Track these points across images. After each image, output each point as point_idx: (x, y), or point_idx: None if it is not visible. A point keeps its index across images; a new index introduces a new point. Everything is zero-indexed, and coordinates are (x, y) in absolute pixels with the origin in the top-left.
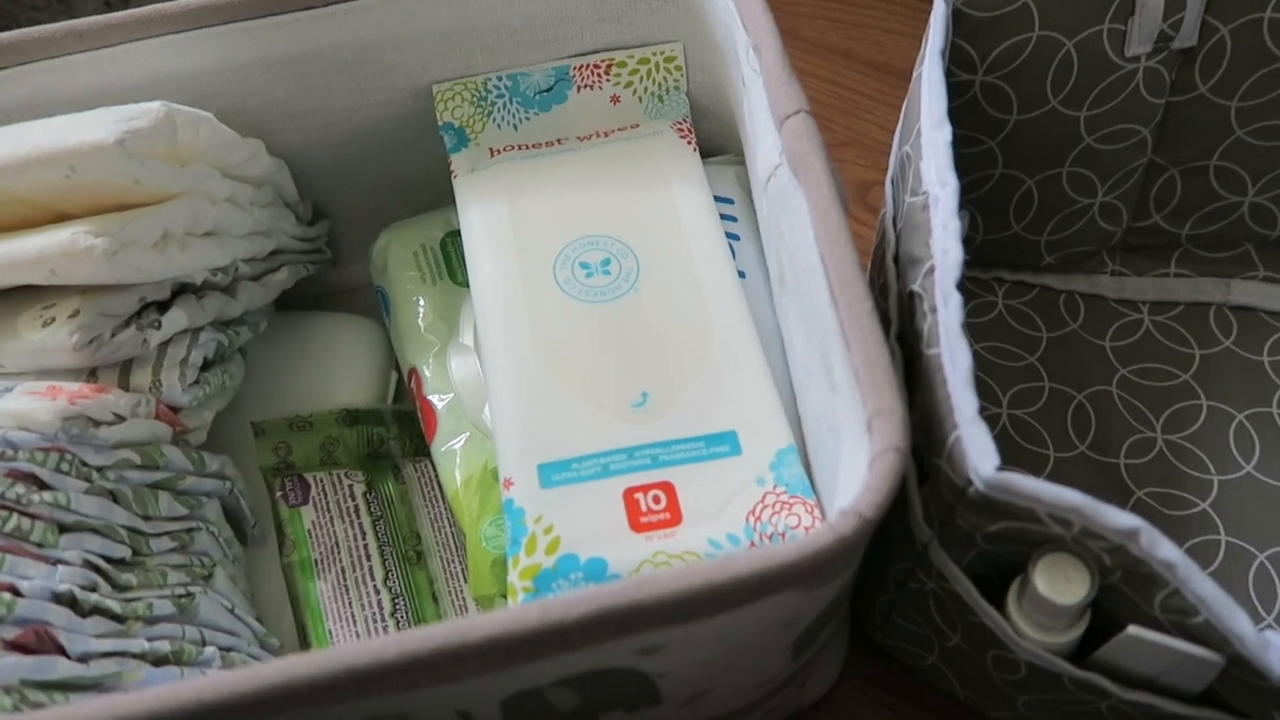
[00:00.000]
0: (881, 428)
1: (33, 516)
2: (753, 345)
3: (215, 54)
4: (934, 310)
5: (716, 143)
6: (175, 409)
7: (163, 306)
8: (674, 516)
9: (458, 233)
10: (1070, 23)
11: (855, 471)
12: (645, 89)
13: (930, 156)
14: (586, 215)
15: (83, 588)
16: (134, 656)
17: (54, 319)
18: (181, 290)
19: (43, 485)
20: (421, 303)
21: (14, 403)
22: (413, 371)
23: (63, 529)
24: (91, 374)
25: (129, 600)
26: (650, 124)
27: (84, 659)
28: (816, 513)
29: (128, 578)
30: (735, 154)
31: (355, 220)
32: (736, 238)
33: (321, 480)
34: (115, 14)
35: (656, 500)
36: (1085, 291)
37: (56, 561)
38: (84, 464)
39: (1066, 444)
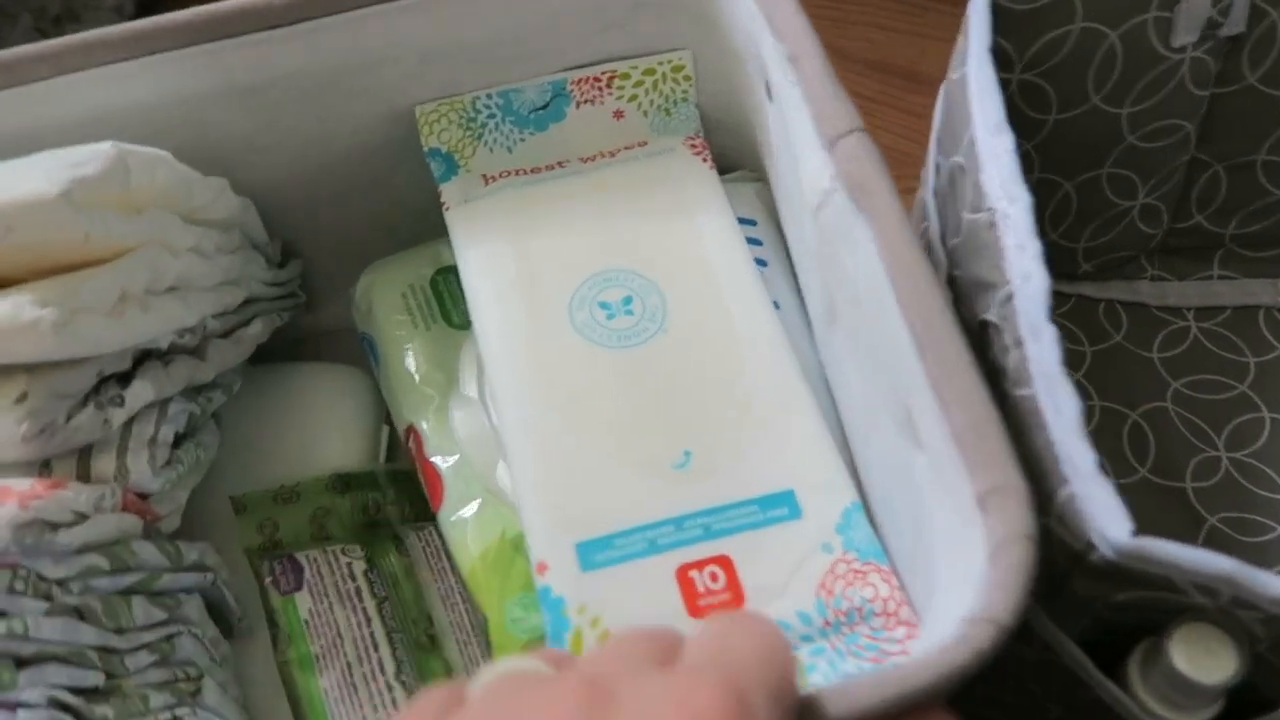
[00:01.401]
0: (1003, 509)
1: None
2: (801, 388)
3: (169, 83)
4: (1019, 344)
5: (731, 158)
6: (144, 495)
7: (124, 378)
8: (735, 595)
9: (450, 269)
10: (1114, 12)
11: (967, 558)
12: (651, 102)
13: (991, 167)
14: (600, 247)
15: None
16: None
17: None
18: (144, 357)
19: None
20: (414, 350)
21: None
22: (410, 429)
23: (20, 663)
24: (44, 464)
25: None
26: (659, 140)
27: None
28: (894, 581)
29: (103, 711)
30: (751, 169)
31: (330, 258)
32: (764, 264)
33: (315, 560)
34: (44, 43)
35: (714, 578)
36: (1125, 299)
37: (16, 706)
38: (41, 578)
39: (1126, 468)
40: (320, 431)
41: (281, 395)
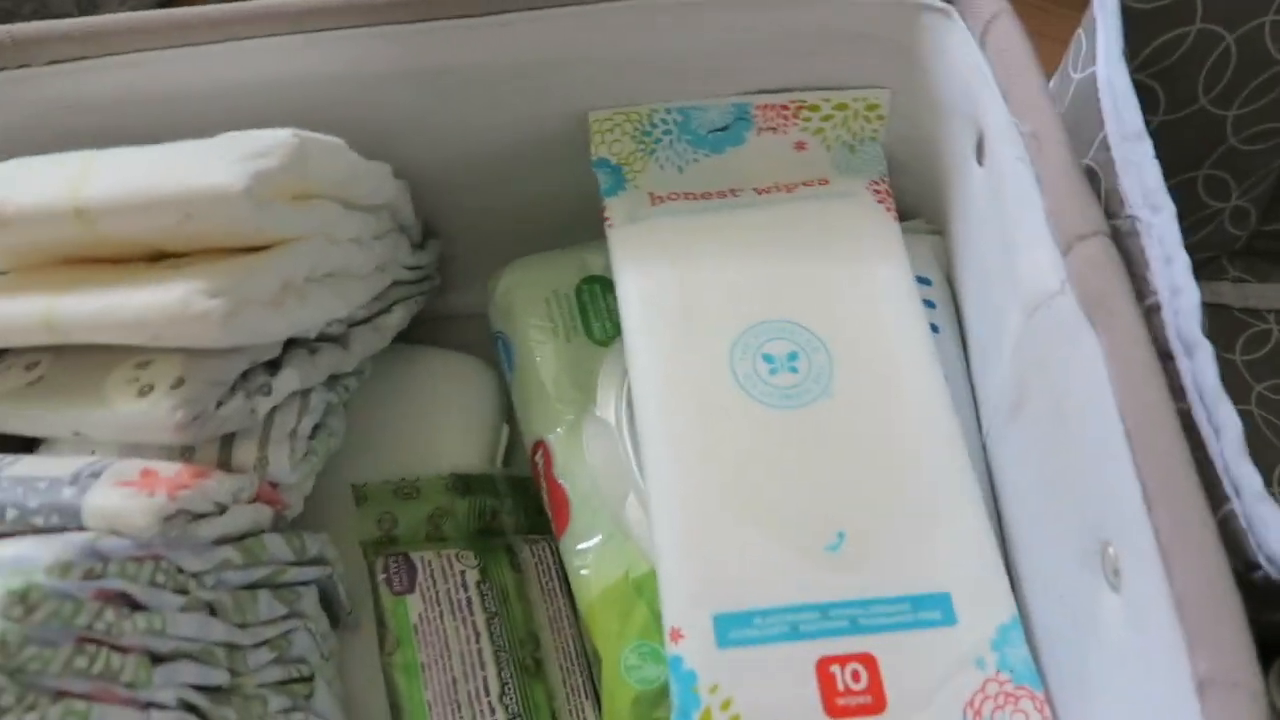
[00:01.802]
0: (1234, 708)
1: (124, 650)
2: (969, 483)
3: (346, 60)
4: (1169, 359)
5: (907, 204)
6: (274, 484)
7: (271, 366)
8: (877, 701)
9: (596, 279)
10: (1234, 14)
11: None
12: (837, 138)
13: (1131, 174)
14: (769, 293)
15: None
16: None
17: (152, 386)
18: (291, 345)
19: (135, 605)
20: (552, 361)
21: (104, 498)
22: (539, 444)
23: (156, 659)
24: (187, 449)
25: None
26: (841, 180)
27: None
28: (1046, 711)
29: (225, 712)
30: (928, 219)
31: (469, 243)
32: (936, 329)
33: (430, 563)
34: (225, 6)
35: (855, 677)
36: (1206, 301)
37: (148, 705)
38: (180, 571)
39: None
40: (441, 423)
41: (404, 381)
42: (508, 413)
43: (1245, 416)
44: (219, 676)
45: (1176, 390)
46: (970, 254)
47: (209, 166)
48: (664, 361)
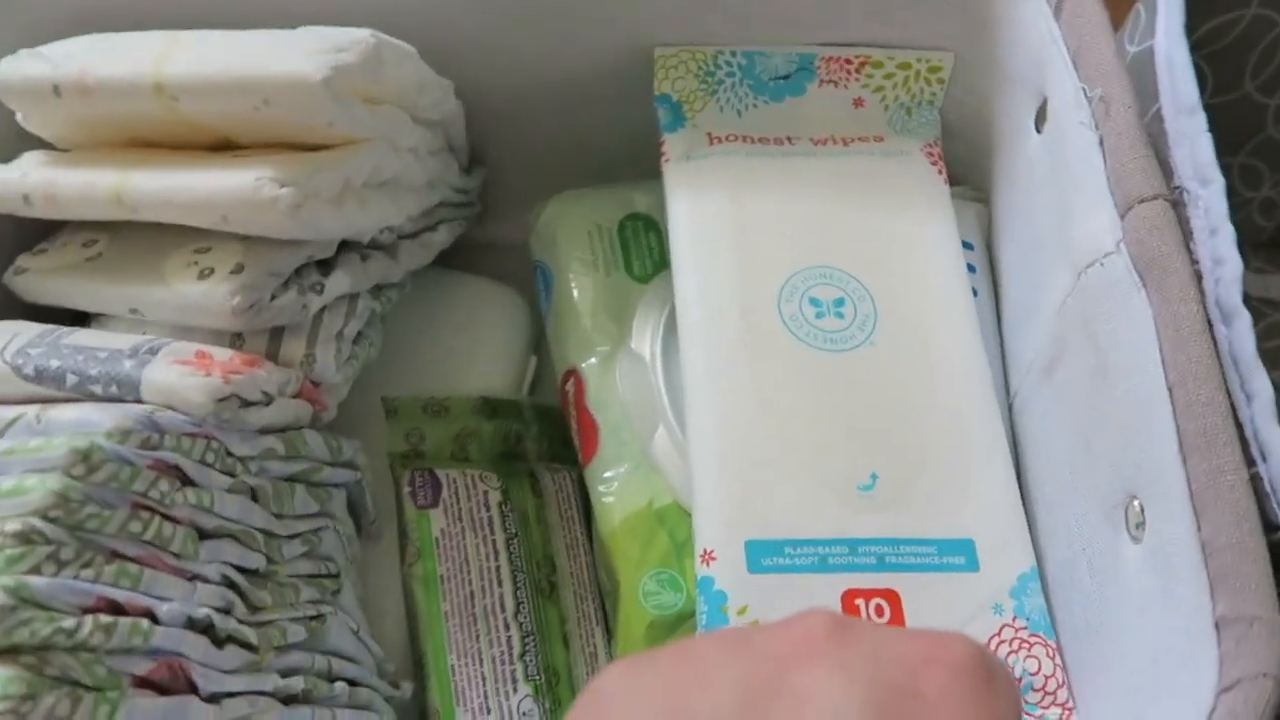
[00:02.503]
0: (1250, 643)
1: (175, 521)
2: (999, 439)
3: None
4: (1208, 326)
5: (955, 171)
6: (315, 384)
7: (323, 266)
8: None
9: (639, 217)
10: None
11: (1187, 680)
12: (895, 98)
13: (1183, 148)
14: (820, 240)
15: (219, 610)
16: (266, 695)
17: (212, 270)
18: (343, 249)
19: (186, 480)
20: (591, 293)
21: (163, 374)
22: (571, 372)
23: (202, 535)
24: (236, 337)
25: (263, 625)
26: (896, 140)
27: (215, 698)
28: (1058, 659)
29: (261, 595)
30: (974, 186)
31: (515, 173)
32: (975, 293)
33: (454, 480)
34: None
35: (879, 611)
36: None
37: (194, 577)
38: (229, 454)
39: None
40: (471, 348)
41: (439, 304)
42: (536, 345)
43: None
44: (257, 560)
45: None
46: (1016, 221)
47: (291, 55)
48: (711, 294)
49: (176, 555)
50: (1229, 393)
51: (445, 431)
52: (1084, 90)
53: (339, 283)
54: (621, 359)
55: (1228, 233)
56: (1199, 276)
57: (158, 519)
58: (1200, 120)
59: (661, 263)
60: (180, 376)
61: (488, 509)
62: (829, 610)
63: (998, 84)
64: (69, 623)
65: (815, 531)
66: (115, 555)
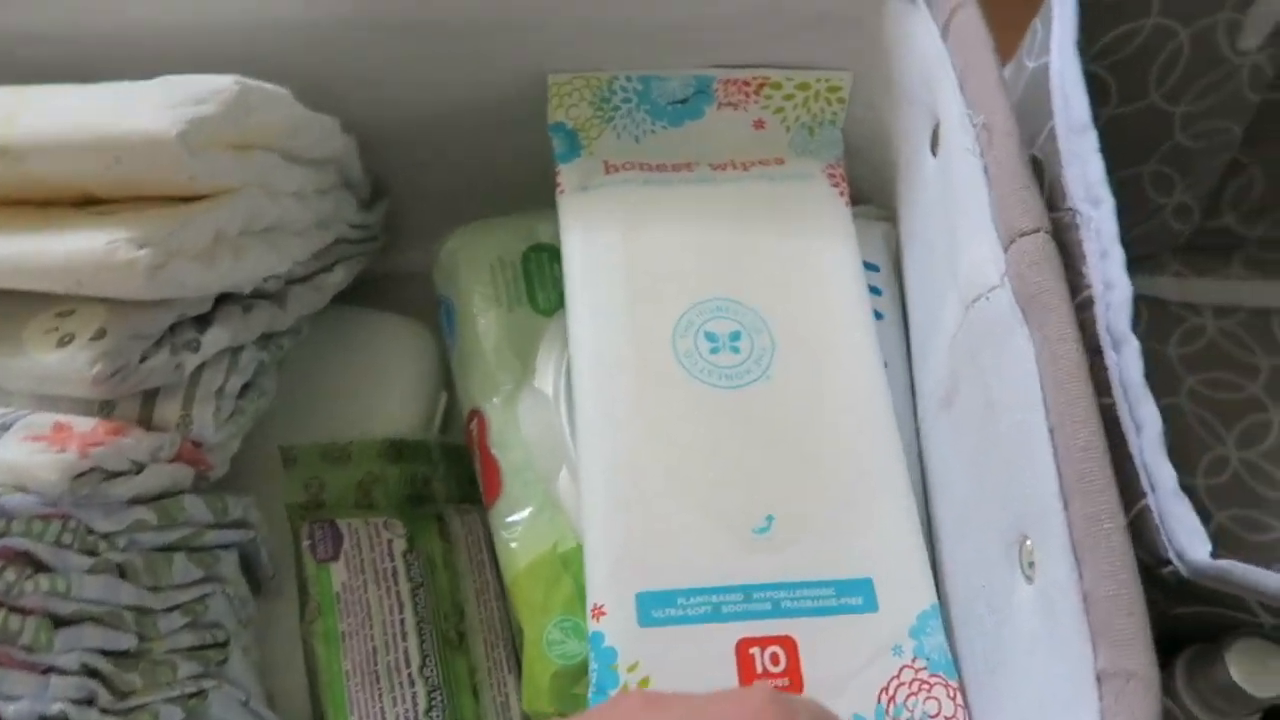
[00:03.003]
0: (1128, 701)
1: (24, 612)
2: (898, 471)
3: (299, 6)
4: (1098, 354)
5: (860, 189)
6: (197, 444)
7: (199, 322)
8: (794, 683)
9: (543, 248)
10: (1190, 10)
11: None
12: (796, 119)
13: (1074, 167)
14: (717, 271)
15: (79, 701)
16: None
17: (72, 336)
18: (223, 300)
19: (39, 566)
20: (493, 329)
21: (12, 452)
22: (475, 412)
23: (58, 622)
24: (106, 403)
25: (131, 710)
26: (797, 162)
27: None
28: (959, 699)
29: (130, 678)
30: (879, 205)
31: (417, 202)
32: (880, 316)
33: (357, 530)
34: None
35: (774, 660)
36: (1145, 294)
37: (48, 669)
38: (89, 532)
39: None
40: (377, 387)
41: (342, 342)
42: (446, 380)
43: (1176, 410)
44: (126, 641)
45: (1102, 385)
46: (917, 243)
47: (143, 110)
48: (604, 331)
49: (28, 649)
50: (1119, 422)
51: (347, 479)
52: (969, 116)
53: (217, 338)
54: (524, 397)
55: (1117, 256)
56: (1090, 302)
57: (4, 612)
58: (1091, 139)
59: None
60: (30, 454)
61: (392, 559)
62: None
63: (896, 103)
64: None
65: (709, 579)
66: None
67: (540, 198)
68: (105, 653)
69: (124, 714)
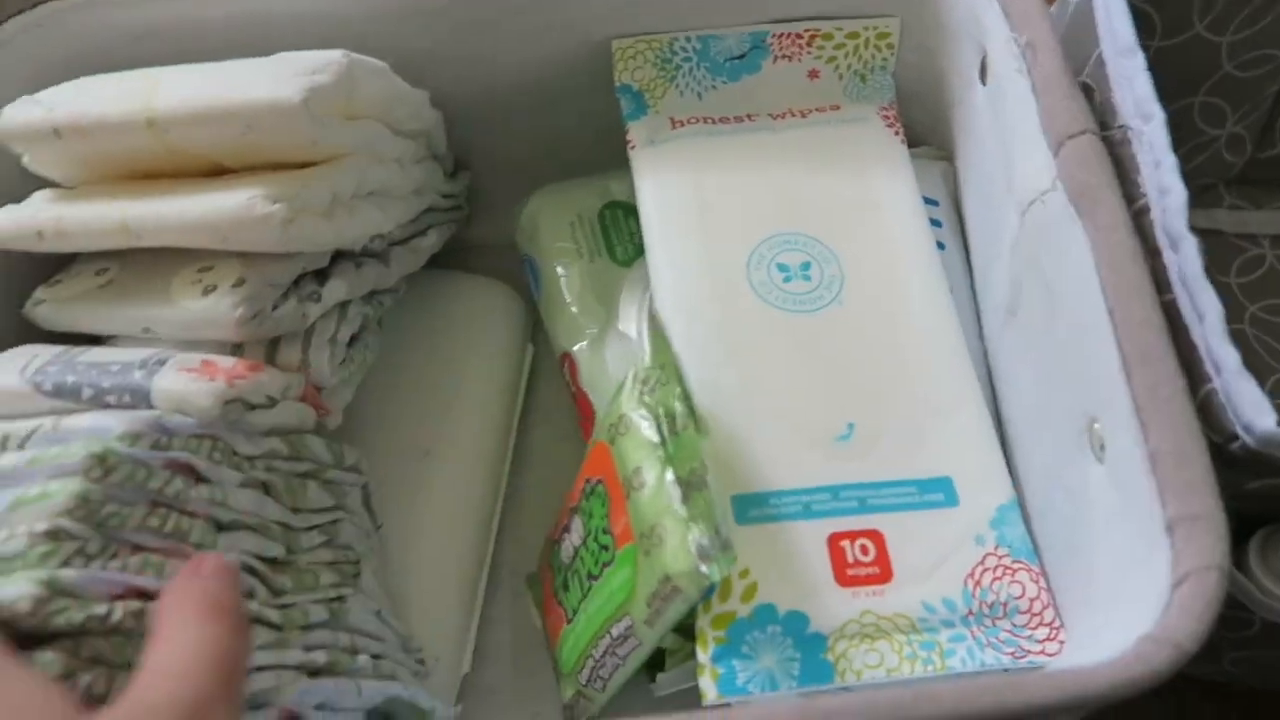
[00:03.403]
0: (1196, 539)
1: (191, 514)
2: (969, 380)
3: None
4: (1156, 255)
5: (918, 132)
6: (317, 388)
7: (320, 276)
8: (884, 572)
9: (618, 204)
10: None
11: (1144, 579)
12: (848, 66)
13: (1124, 88)
14: (784, 209)
15: (246, 593)
16: (291, 668)
17: (215, 286)
18: (337, 257)
19: (199, 478)
20: (576, 280)
21: (170, 382)
22: (565, 356)
23: (219, 527)
24: (237, 348)
25: (285, 607)
26: (852, 107)
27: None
28: (1042, 582)
29: (282, 580)
30: (937, 146)
31: (494, 174)
32: (942, 247)
33: None
34: None
35: (864, 550)
36: (1202, 227)
37: None
38: (234, 453)
39: None
40: (470, 344)
41: (436, 304)
42: (533, 335)
43: (1239, 336)
44: (275, 549)
45: (1162, 284)
46: (974, 172)
47: (268, 81)
48: (685, 272)
49: (197, 545)
50: (1181, 316)
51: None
52: (1014, 38)
53: (335, 291)
54: (610, 339)
55: (1170, 164)
56: (1146, 210)
57: (175, 514)
58: (1138, 60)
59: (642, 247)
60: (187, 383)
61: None
62: None
63: (944, 42)
64: (101, 609)
65: (798, 482)
66: (137, 548)
67: (610, 162)
68: (259, 558)
69: (278, 609)
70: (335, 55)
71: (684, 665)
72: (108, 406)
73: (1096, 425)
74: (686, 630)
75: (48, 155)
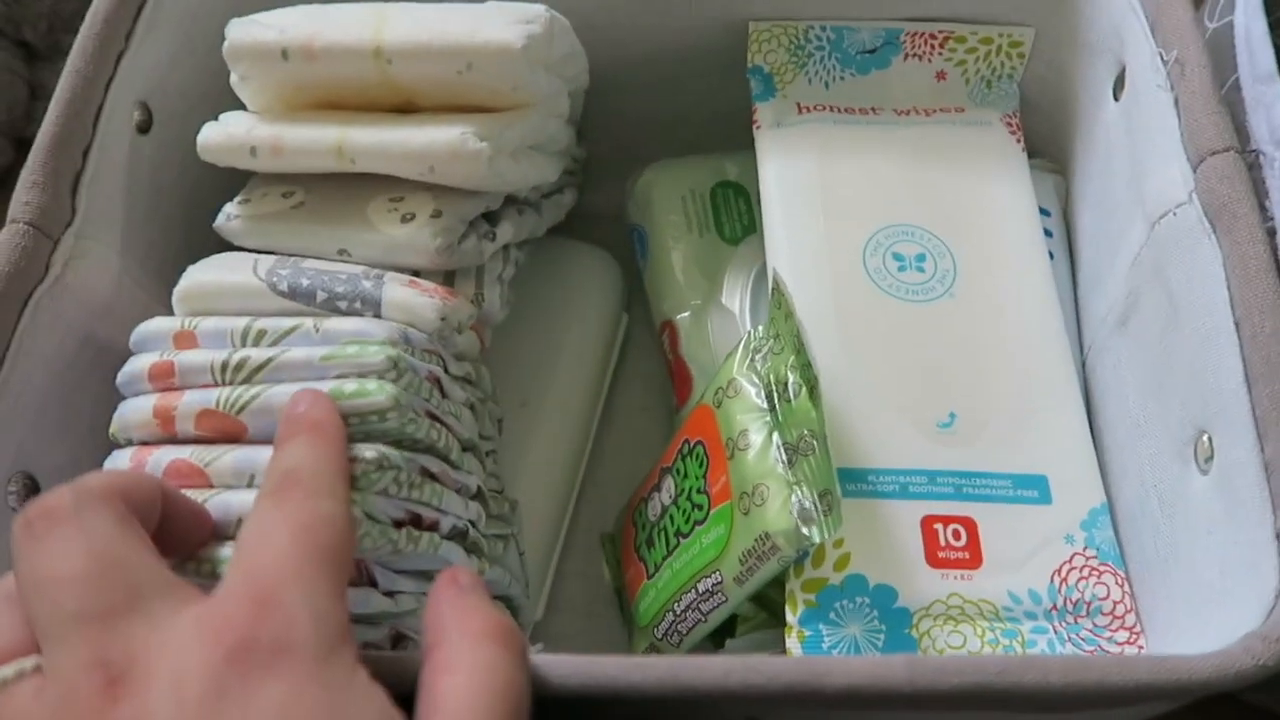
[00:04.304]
0: None
1: (450, 430)
2: (1072, 385)
3: None
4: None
5: (1034, 145)
6: (481, 321)
7: (490, 219)
8: (974, 557)
9: (730, 184)
10: None
11: (1250, 586)
12: (976, 71)
13: (1259, 114)
14: (902, 201)
15: (473, 522)
16: None
17: (413, 215)
18: (507, 202)
19: (443, 393)
20: (684, 252)
21: (399, 293)
22: (667, 324)
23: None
24: (414, 276)
25: (489, 538)
26: (976, 111)
27: (391, 594)
28: (1126, 587)
29: (490, 508)
30: (1050, 159)
31: (609, 146)
32: (1051, 256)
33: None
34: None
35: (956, 535)
36: None
37: (458, 489)
38: (446, 371)
39: None
40: (572, 306)
41: (541, 266)
42: (628, 304)
43: None
44: (483, 475)
45: None
46: (1091, 188)
47: (491, 26)
48: (800, 247)
49: (454, 466)
50: None
51: None
52: (1160, 55)
53: (505, 232)
54: (713, 312)
55: None
56: (1273, 232)
57: (443, 429)
58: (1276, 87)
59: (750, 227)
60: (414, 296)
61: None
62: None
63: (1077, 55)
64: (395, 535)
65: (898, 462)
66: (426, 474)
67: (725, 141)
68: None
69: (489, 539)
70: (539, 9)
71: (754, 634)
72: (338, 311)
73: (1205, 437)
74: (760, 598)
75: (267, 77)
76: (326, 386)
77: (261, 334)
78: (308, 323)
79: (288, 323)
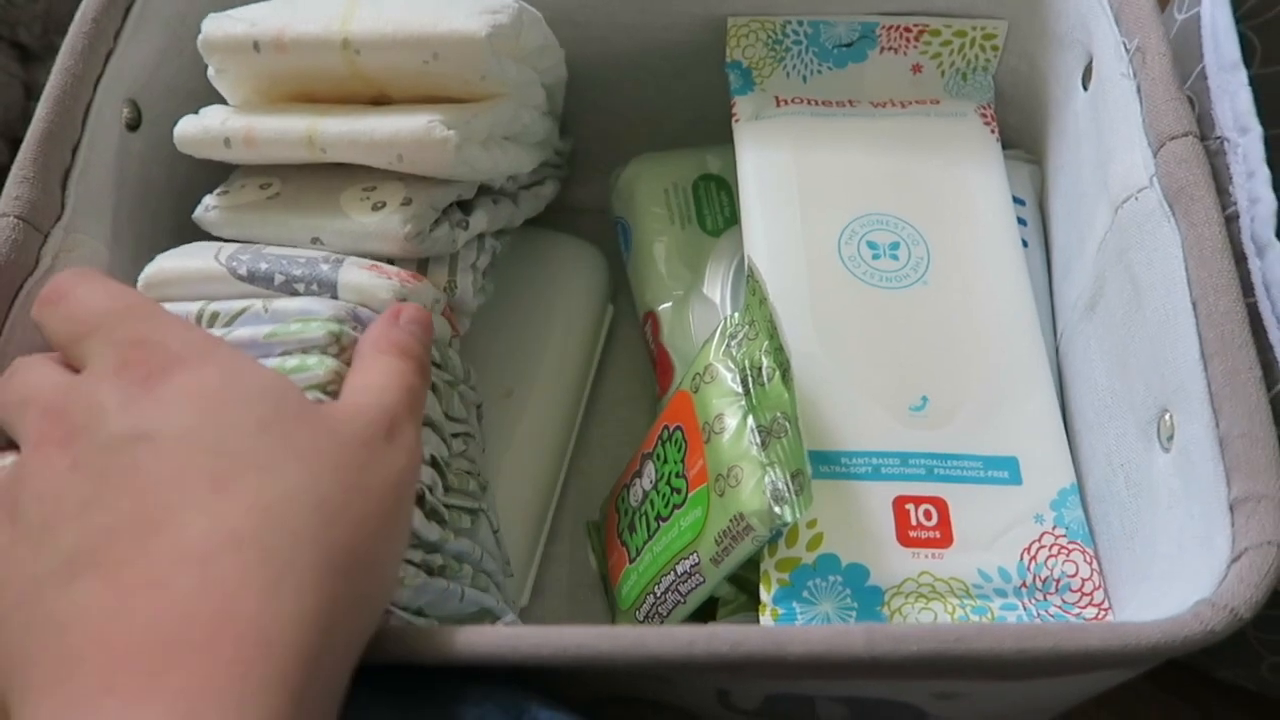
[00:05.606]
0: (1259, 517)
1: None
2: (1042, 369)
3: None
4: (1242, 260)
5: (1009, 137)
6: (453, 308)
7: (464, 207)
8: (944, 536)
9: (711, 177)
10: None
11: (1202, 555)
12: (951, 64)
13: (1223, 101)
14: (878, 191)
15: (429, 487)
16: (415, 564)
17: (384, 204)
18: (481, 191)
19: None
20: (666, 244)
21: (355, 275)
22: (650, 315)
23: None
24: (388, 262)
25: (450, 507)
26: (951, 103)
27: None
28: (1095, 565)
29: (451, 479)
30: (1027, 151)
31: (592, 140)
32: (1024, 244)
33: None
34: None
35: (928, 515)
36: None
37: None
38: None
39: None
40: (557, 296)
41: (527, 257)
42: (614, 295)
43: None
44: (443, 449)
45: (1246, 288)
46: (1064, 174)
47: (455, 15)
48: (777, 237)
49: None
50: (1262, 317)
51: None
52: (1124, 44)
53: (479, 221)
54: (694, 302)
55: (1264, 175)
56: (1235, 216)
57: None
58: (1240, 76)
59: (731, 219)
60: (370, 278)
61: None
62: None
63: (1048, 47)
64: None
65: (870, 445)
66: None
67: (707, 136)
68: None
69: (447, 508)
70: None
71: (734, 615)
72: (295, 294)
73: (1167, 416)
74: (740, 582)
75: (241, 69)
76: (271, 363)
77: (215, 316)
78: (258, 304)
79: (239, 304)
